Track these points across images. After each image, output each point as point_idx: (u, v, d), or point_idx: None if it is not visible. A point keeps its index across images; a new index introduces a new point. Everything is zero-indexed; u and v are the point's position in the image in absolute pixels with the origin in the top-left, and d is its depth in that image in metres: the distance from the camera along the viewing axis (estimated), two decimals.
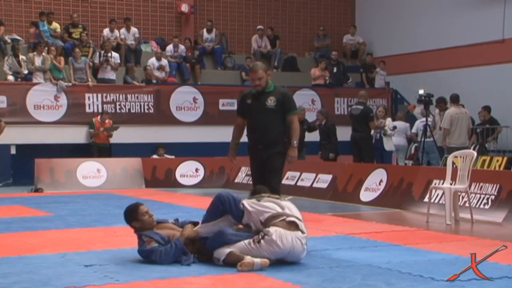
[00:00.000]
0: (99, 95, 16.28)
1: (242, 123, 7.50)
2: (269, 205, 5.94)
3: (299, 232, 5.82)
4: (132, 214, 6.04)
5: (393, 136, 15.49)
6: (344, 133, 16.74)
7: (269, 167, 7.24)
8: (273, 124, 7.20)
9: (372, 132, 14.50)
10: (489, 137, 15.43)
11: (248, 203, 5.93)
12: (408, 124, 15.96)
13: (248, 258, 5.64)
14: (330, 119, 15.42)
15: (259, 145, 7.27)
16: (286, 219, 5.82)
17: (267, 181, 7.12)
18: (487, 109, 15.65)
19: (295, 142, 7.21)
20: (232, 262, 5.67)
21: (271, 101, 7.19)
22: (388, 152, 15.85)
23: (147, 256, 5.90)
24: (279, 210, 5.88)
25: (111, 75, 16.92)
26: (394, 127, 15.71)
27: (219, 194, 6.00)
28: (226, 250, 5.75)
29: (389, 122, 15.93)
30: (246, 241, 5.76)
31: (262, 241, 5.71)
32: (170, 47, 18.70)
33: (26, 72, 16.00)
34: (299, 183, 13.19)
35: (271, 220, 5.80)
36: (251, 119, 7.31)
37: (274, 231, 5.70)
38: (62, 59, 16.56)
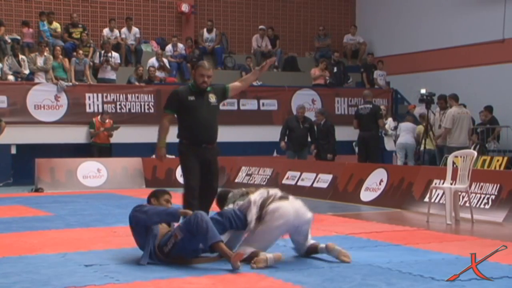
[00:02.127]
0: (100, 95, 16.28)
1: (171, 120, 7.35)
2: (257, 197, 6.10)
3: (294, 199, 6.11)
4: (157, 193, 6.31)
5: (401, 134, 15.44)
6: (345, 133, 16.76)
7: (214, 170, 7.29)
8: (216, 121, 7.34)
9: None
10: (489, 137, 15.43)
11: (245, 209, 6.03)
12: (415, 126, 15.85)
13: (261, 254, 5.70)
14: (330, 119, 15.38)
15: (204, 143, 7.23)
16: (276, 197, 6.02)
17: (209, 183, 7.23)
18: (488, 109, 15.65)
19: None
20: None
21: (213, 98, 7.26)
22: (389, 152, 15.85)
23: (138, 215, 5.99)
24: (266, 195, 6.08)
25: (111, 75, 16.93)
26: (395, 127, 15.71)
27: (224, 216, 6.04)
28: (248, 249, 5.78)
29: (390, 122, 15.93)
30: (249, 229, 5.87)
31: (264, 217, 5.83)
32: (169, 47, 18.73)
33: (27, 72, 16.01)
34: (300, 183, 13.18)
35: (264, 203, 5.94)
36: (195, 117, 7.16)
37: (272, 205, 5.88)
38: (66, 60, 16.57)
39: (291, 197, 6.11)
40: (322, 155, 14.48)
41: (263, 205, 5.95)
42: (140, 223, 6.02)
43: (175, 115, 7.39)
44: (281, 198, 6.04)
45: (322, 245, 6.08)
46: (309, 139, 14.60)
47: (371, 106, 13.90)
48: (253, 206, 5.98)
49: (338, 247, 6.01)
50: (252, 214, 5.95)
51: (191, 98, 7.20)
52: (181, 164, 7.40)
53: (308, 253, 6.17)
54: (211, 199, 7.27)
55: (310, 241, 6.16)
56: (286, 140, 14.42)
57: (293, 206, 5.97)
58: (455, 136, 13.20)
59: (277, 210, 5.87)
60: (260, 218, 5.88)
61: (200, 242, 5.81)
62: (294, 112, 16.96)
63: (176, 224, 6.09)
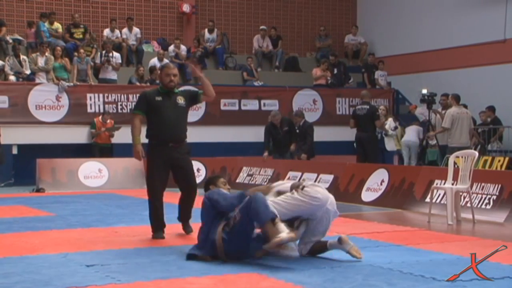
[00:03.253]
0: (101, 95, 16.29)
1: (142, 120, 7.66)
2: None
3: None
4: (213, 180, 6.59)
5: (405, 133, 15.43)
6: (346, 133, 16.74)
7: (185, 166, 7.54)
8: (183, 122, 7.58)
9: None
10: (492, 137, 15.41)
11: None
12: (421, 128, 15.84)
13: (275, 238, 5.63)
14: (307, 121, 15.32)
15: (170, 143, 7.47)
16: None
17: (187, 179, 7.52)
18: (491, 109, 15.64)
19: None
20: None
21: (181, 100, 7.54)
22: (390, 152, 15.84)
23: (212, 197, 6.11)
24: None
25: (113, 75, 16.93)
26: (396, 127, 15.71)
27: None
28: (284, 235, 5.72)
29: (390, 122, 15.93)
30: (288, 194, 5.90)
31: (305, 188, 5.88)
32: (171, 48, 18.75)
33: (28, 72, 16.02)
34: None
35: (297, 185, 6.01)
36: (161, 117, 7.45)
37: (310, 185, 5.97)
38: (67, 60, 16.57)
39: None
40: (297, 156, 14.50)
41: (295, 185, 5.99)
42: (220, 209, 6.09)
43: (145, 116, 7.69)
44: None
45: (333, 240, 6.03)
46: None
47: (368, 107, 13.86)
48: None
49: (351, 242, 6.00)
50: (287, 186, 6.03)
51: (158, 98, 7.52)
52: (147, 165, 7.68)
53: (312, 252, 6.12)
54: (191, 195, 7.54)
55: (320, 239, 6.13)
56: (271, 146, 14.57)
57: (328, 195, 6.02)
58: (455, 137, 13.19)
59: (319, 189, 5.96)
60: (298, 188, 5.91)
61: (254, 223, 5.81)
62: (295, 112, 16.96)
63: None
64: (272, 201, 5.86)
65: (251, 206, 5.73)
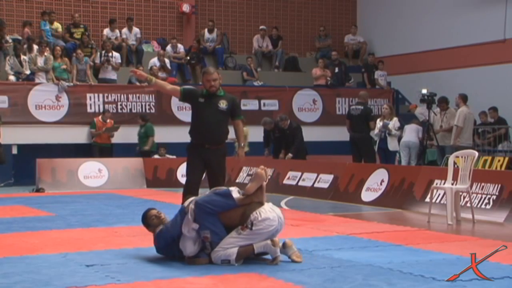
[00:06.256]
0: (101, 95, 16.30)
1: (174, 91, 7.95)
2: None
3: (266, 204, 6.00)
4: (144, 221, 6.36)
5: (405, 134, 15.43)
6: (346, 133, 16.74)
7: (216, 170, 7.80)
8: (222, 124, 7.82)
9: (377, 131, 14.46)
10: (502, 137, 15.39)
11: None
12: (421, 127, 15.82)
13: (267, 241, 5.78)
14: (293, 120, 15.30)
15: (207, 144, 7.74)
16: (254, 201, 5.97)
17: (214, 182, 7.63)
18: (495, 110, 15.64)
19: (242, 143, 8.07)
20: (244, 256, 5.79)
21: (223, 104, 7.76)
22: (392, 152, 15.83)
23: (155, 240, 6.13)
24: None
25: (112, 75, 16.93)
26: (399, 127, 15.69)
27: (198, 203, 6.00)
28: (230, 251, 5.75)
29: (395, 121, 15.92)
30: (234, 234, 5.81)
31: (253, 227, 5.78)
32: (169, 47, 18.74)
33: (28, 72, 16.01)
34: (301, 183, 13.19)
35: (246, 210, 5.87)
36: (201, 118, 7.74)
37: (258, 213, 5.82)
38: (67, 59, 16.57)
39: (266, 203, 6.00)
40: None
41: (246, 215, 5.85)
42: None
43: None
44: (259, 204, 5.95)
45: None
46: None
47: (362, 107, 13.83)
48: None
49: (294, 247, 5.97)
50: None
51: (201, 100, 7.77)
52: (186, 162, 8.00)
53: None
54: None
55: None
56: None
57: (276, 213, 5.92)
58: (465, 136, 13.17)
59: (269, 221, 5.82)
60: (247, 227, 5.80)
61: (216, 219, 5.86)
62: (295, 113, 16.96)
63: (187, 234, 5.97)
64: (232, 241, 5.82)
65: (206, 207, 5.87)
